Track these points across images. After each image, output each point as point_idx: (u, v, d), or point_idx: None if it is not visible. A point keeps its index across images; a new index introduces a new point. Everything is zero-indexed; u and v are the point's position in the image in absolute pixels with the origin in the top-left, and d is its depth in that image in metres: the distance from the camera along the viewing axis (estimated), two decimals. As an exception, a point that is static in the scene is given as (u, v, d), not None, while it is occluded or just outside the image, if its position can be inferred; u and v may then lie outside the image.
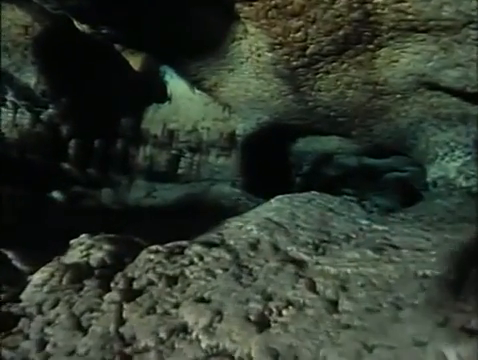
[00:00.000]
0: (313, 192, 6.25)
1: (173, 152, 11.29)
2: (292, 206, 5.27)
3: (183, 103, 11.14)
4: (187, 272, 3.30)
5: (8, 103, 8.11)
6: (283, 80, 6.93)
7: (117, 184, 10.37)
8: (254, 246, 3.73)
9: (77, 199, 8.67)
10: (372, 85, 6.75)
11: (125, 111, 10.84)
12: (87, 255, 3.58)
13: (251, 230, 4.18)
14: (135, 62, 8.99)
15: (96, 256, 3.60)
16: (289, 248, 3.73)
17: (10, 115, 8.13)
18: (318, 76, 6.72)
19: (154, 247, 3.73)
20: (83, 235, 3.85)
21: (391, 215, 5.48)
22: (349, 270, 3.11)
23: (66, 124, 9.08)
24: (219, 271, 3.26)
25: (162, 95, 11.21)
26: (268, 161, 11.30)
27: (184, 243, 3.60)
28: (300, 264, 3.40)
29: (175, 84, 11.01)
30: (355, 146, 11.00)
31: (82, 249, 3.64)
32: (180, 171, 11.30)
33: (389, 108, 7.67)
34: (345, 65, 6.31)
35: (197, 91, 10.55)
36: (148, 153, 11.38)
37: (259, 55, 6.29)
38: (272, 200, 5.85)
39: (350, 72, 6.50)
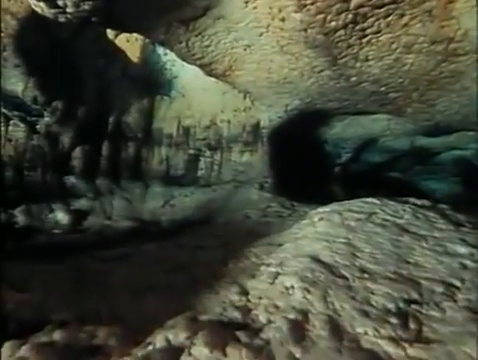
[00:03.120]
0: (371, 199, 4.57)
1: (191, 152, 9.92)
2: (347, 229, 3.67)
3: (197, 95, 9.66)
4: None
5: (0, 116, 7.11)
6: (317, 51, 5.21)
7: (130, 193, 9.23)
8: (298, 327, 2.21)
9: (84, 217, 7.61)
10: (444, 44, 4.85)
11: (132, 110, 9.58)
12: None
13: (290, 290, 2.66)
14: (133, 51, 7.60)
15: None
16: (359, 329, 2.18)
17: (1, 129, 7.13)
18: (365, 40, 4.92)
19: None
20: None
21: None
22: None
23: (66, 132, 7.98)
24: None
25: (168, 86, 9.82)
26: (299, 153, 9.61)
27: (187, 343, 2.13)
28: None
29: (186, 74, 9.54)
30: (409, 126, 8.98)
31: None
32: (199, 173, 9.94)
33: (463, 74, 5.69)
34: (406, 18, 4.47)
35: (211, 79, 9.04)
36: (163, 155, 10.12)
37: (283, 19, 4.61)
38: (316, 217, 4.28)
39: (413, 28, 4.65)
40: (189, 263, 4.28)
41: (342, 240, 3.45)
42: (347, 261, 3.03)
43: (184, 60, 6.07)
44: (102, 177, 8.98)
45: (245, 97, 9.03)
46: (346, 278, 2.77)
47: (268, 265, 3.42)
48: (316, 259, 3.13)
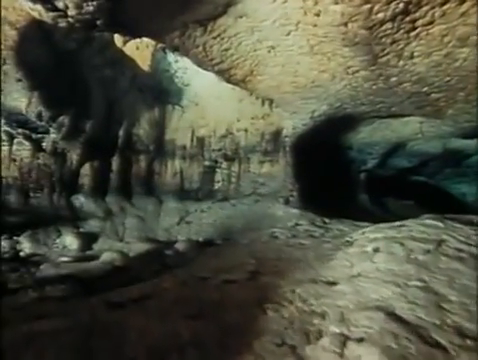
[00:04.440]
0: (430, 221, 3.82)
1: (206, 164, 9.29)
2: (418, 266, 2.93)
3: (211, 103, 9.05)
4: None
5: (1, 134, 6.59)
6: (354, 49, 4.51)
7: (143, 211, 8.62)
8: None
9: (94, 239, 7.01)
10: (508, 34, 4.10)
11: (142, 121, 9.01)
12: None
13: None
14: (143, 59, 7.03)
15: None
16: None
17: (5, 148, 6.62)
18: (414, 33, 4.20)
19: None
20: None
21: None
22: None
23: (74, 148, 7.43)
24: None
25: (179, 95, 9.25)
26: (321, 161, 8.88)
27: None
28: None
29: (199, 81, 8.95)
30: (444, 128, 8.18)
31: None
32: (216, 186, 9.29)
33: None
34: (466, 5, 3.75)
35: (227, 86, 8.43)
36: (177, 168, 9.51)
37: (318, 13, 3.94)
38: (369, 246, 3.51)
39: (472, 17, 3.91)
40: (217, 305, 3.59)
41: (417, 283, 2.72)
42: (435, 318, 2.30)
43: (201, 66, 5.45)
44: (113, 194, 8.41)
45: (263, 103, 8.38)
46: (445, 348, 2.05)
47: (323, 317, 2.70)
48: (392, 314, 2.41)
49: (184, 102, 9.61)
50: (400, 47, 4.44)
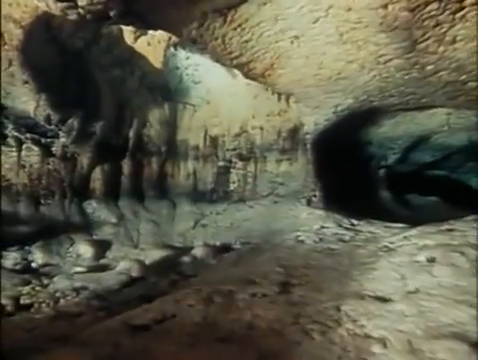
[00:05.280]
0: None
1: (220, 164, 8.92)
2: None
3: (224, 101, 8.66)
4: None
5: (10, 140, 6.31)
6: (392, 35, 4.08)
7: (157, 215, 8.30)
8: None
9: (108, 247, 6.71)
10: None
11: (153, 121, 8.67)
12: None
13: None
14: (155, 56, 6.66)
15: None
16: None
17: (13, 154, 6.34)
18: (459, 15, 3.75)
19: None
20: None
21: None
22: None
23: (84, 152, 7.13)
24: None
25: (190, 93, 8.89)
26: (339, 158, 8.44)
27: None
28: None
29: (211, 79, 8.56)
30: (474, 119, 7.67)
31: None
32: (231, 186, 8.91)
33: None
34: (525, -21, 3.29)
35: (240, 82, 8.04)
36: (190, 169, 9.16)
37: (353, -4, 3.52)
38: (421, 255, 3.10)
39: None
40: (249, 327, 3.21)
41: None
42: None
43: (219, 61, 5.07)
44: (125, 199, 8.10)
45: (279, 99, 7.96)
46: None
47: (384, 344, 2.31)
48: (474, 345, 2.01)
49: (196, 100, 9.23)
50: (443, 31, 3.99)
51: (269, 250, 5.80)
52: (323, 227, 5.87)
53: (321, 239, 5.54)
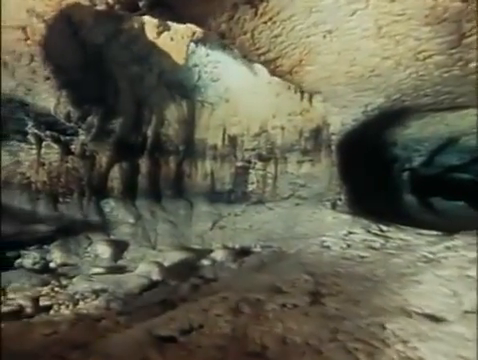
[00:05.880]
0: None
1: (238, 164, 8.70)
2: None
3: (244, 99, 8.42)
4: None
5: (29, 137, 6.23)
6: (439, 28, 3.78)
7: (174, 215, 8.13)
8: None
9: (126, 247, 6.58)
10: None
11: (171, 120, 8.51)
12: None
13: None
14: (178, 52, 6.48)
15: None
16: None
17: (33, 152, 6.26)
18: (516, 5, 3.42)
19: None
20: None
21: None
22: None
23: (103, 150, 7.01)
24: None
25: (208, 91, 8.68)
26: (364, 161, 8.11)
27: None
28: None
29: (231, 76, 8.35)
30: (510, 121, 7.25)
31: None
32: (250, 187, 8.68)
33: None
34: None
35: (263, 79, 7.79)
36: (207, 169, 8.97)
37: (399, -16, 3.24)
38: (473, 269, 2.82)
39: None
40: (282, 342, 2.97)
41: None
42: None
43: (246, 56, 4.84)
44: (142, 198, 7.96)
45: (302, 98, 7.68)
46: None
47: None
48: None
49: (214, 99, 9.03)
50: (494, 24, 3.66)
51: (293, 255, 5.56)
52: (350, 233, 5.58)
53: (349, 245, 5.26)
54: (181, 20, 3.82)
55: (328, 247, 5.39)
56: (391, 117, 6.69)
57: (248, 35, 4.25)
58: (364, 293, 3.63)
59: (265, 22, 4.13)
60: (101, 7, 2.83)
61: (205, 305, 3.73)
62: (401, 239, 5.16)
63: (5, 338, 3.74)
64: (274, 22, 4.16)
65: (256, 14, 3.96)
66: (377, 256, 4.68)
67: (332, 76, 5.25)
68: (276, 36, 4.42)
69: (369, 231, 5.54)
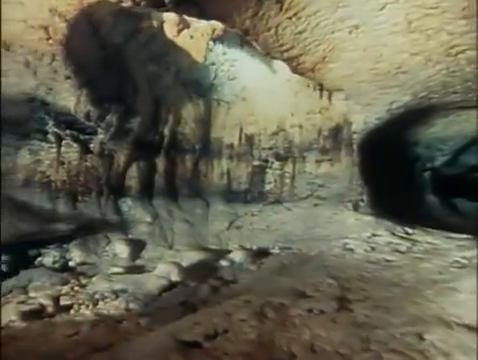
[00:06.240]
0: None
1: (255, 163, 8.59)
2: None
3: (261, 98, 8.30)
4: None
5: (50, 136, 6.28)
6: (474, 21, 3.56)
7: (191, 214, 8.09)
8: None
9: (142, 246, 6.57)
10: None
11: (188, 119, 8.46)
12: None
13: None
14: (198, 50, 6.42)
15: None
16: None
17: (53, 151, 6.31)
18: None
19: None
20: None
21: None
22: None
23: (121, 149, 7.02)
24: None
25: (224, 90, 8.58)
26: (385, 160, 7.86)
27: None
28: None
29: (248, 75, 8.22)
30: None
31: None
32: (267, 187, 8.56)
33: None
34: None
35: (281, 77, 7.65)
36: (224, 168, 8.89)
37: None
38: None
39: None
40: (310, 350, 2.86)
41: None
42: None
43: (269, 53, 4.73)
44: (159, 197, 7.95)
45: (321, 96, 7.50)
46: None
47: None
48: None
49: (230, 97, 8.93)
50: None
51: (315, 258, 5.42)
52: (374, 235, 5.40)
53: (373, 248, 5.08)
54: (206, 17, 3.75)
55: (351, 250, 5.23)
56: (416, 115, 6.45)
57: (272, 31, 4.13)
58: (394, 300, 3.49)
59: (290, 18, 4.01)
60: (127, 4, 2.77)
61: (228, 309, 3.64)
62: (428, 242, 4.96)
63: (28, 337, 3.75)
64: (299, 18, 4.02)
65: (281, 9, 3.84)
66: (404, 260, 4.50)
67: (355, 73, 5.09)
68: (300, 32, 4.29)
69: (394, 234, 5.35)
